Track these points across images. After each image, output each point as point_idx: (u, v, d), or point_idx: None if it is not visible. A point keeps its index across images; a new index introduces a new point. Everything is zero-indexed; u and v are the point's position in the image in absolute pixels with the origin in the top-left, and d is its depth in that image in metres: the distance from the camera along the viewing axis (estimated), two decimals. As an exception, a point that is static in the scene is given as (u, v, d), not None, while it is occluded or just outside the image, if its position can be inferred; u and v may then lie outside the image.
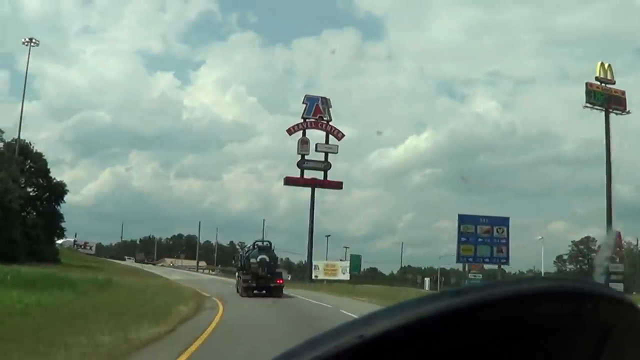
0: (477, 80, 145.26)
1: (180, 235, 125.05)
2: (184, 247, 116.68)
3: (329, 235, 77.32)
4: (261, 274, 29.40)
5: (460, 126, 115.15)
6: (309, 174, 60.02)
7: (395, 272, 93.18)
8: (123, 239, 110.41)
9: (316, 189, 60.64)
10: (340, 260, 72.49)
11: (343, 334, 0.71)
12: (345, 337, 0.70)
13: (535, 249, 66.02)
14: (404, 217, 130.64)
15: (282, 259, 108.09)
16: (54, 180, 54.95)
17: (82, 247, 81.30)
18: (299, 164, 60.26)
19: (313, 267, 59.28)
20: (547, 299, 0.78)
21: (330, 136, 61.53)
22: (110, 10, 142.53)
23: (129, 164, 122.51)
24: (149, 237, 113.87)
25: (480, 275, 50.98)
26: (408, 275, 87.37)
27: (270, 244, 33.42)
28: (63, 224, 57.56)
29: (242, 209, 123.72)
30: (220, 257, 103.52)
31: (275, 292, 28.86)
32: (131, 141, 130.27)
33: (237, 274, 34.55)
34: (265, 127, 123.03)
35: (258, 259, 29.75)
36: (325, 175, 61.06)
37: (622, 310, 0.86)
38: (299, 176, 60.22)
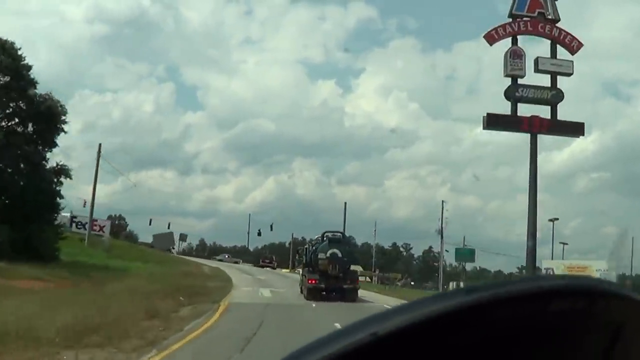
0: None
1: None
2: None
3: (556, 219, 50.36)
4: (332, 272, 25.07)
5: (628, 128, 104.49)
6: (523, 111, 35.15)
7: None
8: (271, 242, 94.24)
9: (539, 137, 35.44)
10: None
11: (356, 331, 0.70)
12: (358, 335, 0.70)
13: None
14: (570, 223, 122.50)
15: (455, 265, 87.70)
16: (43, 97, 29.36)
17: (90, 227, 50.87)
18: (508, 93, 35.20)
19: (544, 271, 34.39)
20: (558, 297, 0.78)
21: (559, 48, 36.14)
22: (271, 20, 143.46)
23: (292, 171, 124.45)
24: (299, 239, 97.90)
25: None
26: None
27: (344, 235, 29.20)
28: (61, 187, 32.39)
29: (405, 215, 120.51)
30: (380, 260, 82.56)
31: (348, 294, 24.58)
32: (294, 149, 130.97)
33: (301, 271, 30.39)
34: (428, 133, 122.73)
35: (328, 254, 25.52)
36: (554, 113, 35.64)
37: (634, 309, 0.85)
38: (508, 113, 35.33)
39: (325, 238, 27.13)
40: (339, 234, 28.64)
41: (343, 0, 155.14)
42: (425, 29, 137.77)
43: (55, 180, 31.17)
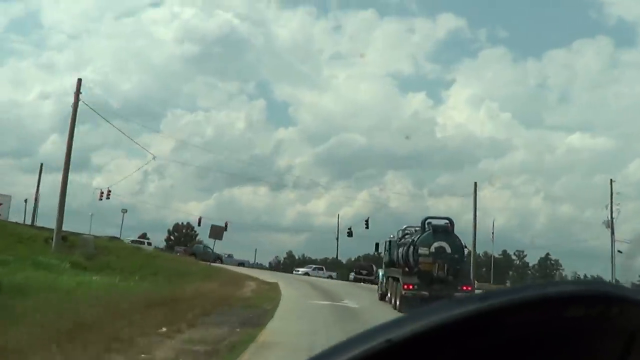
0: None
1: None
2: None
3: None
4: (438, 274, 19.15)
5: None
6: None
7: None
8: (365, 253, 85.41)
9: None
10: None
11: (371, 338, 0.71)
12: (373, 341, 0.70)
13: None
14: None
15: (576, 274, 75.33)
16: None
17: (59, 224, 31.47)
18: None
19: None
20: (573, 303, 0.78)
21: None
22: (360, 35, 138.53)
23: (384, 184, 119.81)
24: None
25: None
26: None
27: (452, 223, 20.70)
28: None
29: (501, 225, 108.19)
30: (494, 272, 72.43)
31: None
32: (385, 162, 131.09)
33: (381, 272, 24.63)
34: (521, 142, 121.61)
35: (433, 248, 19.46)
36: None
37: None
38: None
39: (428, 226, 20.35)
40: (445, 220, 21.13)
41: (432, 12, 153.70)
42: (515, 37, 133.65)
43: None
